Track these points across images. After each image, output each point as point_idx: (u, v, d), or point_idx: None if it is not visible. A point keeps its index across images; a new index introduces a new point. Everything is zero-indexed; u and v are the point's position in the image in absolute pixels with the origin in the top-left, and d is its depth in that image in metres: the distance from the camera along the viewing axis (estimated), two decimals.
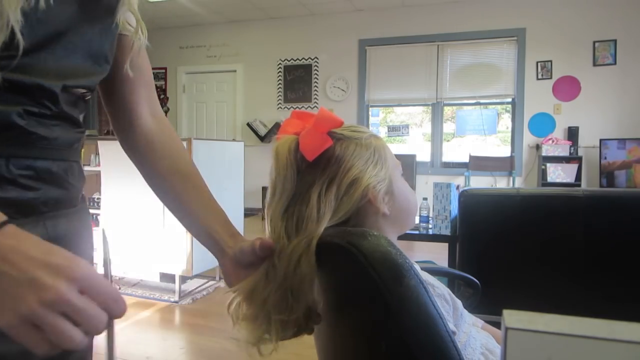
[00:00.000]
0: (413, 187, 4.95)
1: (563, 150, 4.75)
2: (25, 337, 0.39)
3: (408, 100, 5.62)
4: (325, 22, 5.78)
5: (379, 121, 6.01)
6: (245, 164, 3.68)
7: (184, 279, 3.23)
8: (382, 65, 5.60)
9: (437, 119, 5.51)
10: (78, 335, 0.41)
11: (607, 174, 4.55)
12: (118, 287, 3.22)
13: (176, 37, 6.42)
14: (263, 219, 0.72)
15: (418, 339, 0.53)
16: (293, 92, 5.94)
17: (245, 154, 3.69)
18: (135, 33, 0.68)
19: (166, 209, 0.75)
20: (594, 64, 4.86)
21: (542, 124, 5.05)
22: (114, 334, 0.47)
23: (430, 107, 5.57)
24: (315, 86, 5.84)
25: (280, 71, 5.98)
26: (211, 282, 3.41)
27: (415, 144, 5.78)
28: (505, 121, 5.51)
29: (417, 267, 0.59)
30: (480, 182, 5.09)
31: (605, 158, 4.54)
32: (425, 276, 0.71)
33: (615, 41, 4.78)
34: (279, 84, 5.99)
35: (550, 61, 4.99)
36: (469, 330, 0.76)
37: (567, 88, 4.95)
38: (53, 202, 0.60)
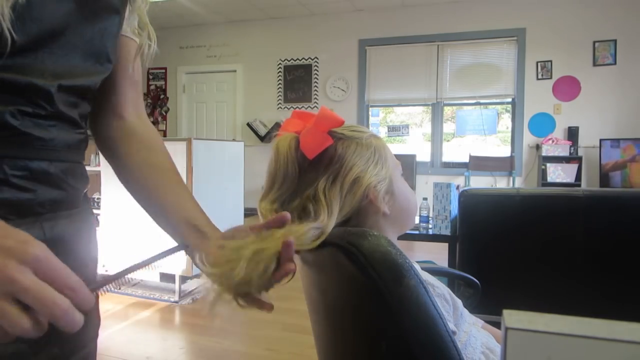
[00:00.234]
0: (413, 187, 4.95)
1: (563, 150, 4.75)
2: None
3: (408, 100, 5.62)
4: (325, 22, 5.78)
5: (379, 121, 6.01)
6: (245, 164, 3.68)
7: (184, 279, 3.23)
8: (382, 65, 5.60)
9: (437, 119, 5.51)
10: (26, 322, 0.38)
11: (601, 176, 4.55)
12: (118, 288, 3.21)
13: (176, 37, 6.42)
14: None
15: (418, 339, 0.53)
16: (293, 92, 5.94)
17: (245, 154, 3.69)
18: (145, 38, 0.68)
19: None
20: (594, 64, 4.86)
21: (542, 124, 5.04)
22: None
23: (430, 107, 5.57)
24: (315, 86, 5.84)
25: (280, 71, 5.98)
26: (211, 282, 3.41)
27: (415, 144, 5.78)
28: (505, 121, 5.51)
29: (417, 267, 0.59)
30: (480, 182, 5.09)
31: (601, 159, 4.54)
32: (425, 276, 0.71)
33: (615, 41, 4.78)
34: (279, 84, 5.99)
35: (550, 61, 4.99)
36: (470, 330, 0.76)
37: (567, 88, 4.95)
38: (50, 203, 0.58)
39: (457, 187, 2.23)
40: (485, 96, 5.28)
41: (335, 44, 5.73)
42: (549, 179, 4.72)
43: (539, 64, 5.03)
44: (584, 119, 4.87)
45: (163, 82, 6.58)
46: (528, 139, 5.11)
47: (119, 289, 0.50)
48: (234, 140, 5.57)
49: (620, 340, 0.28)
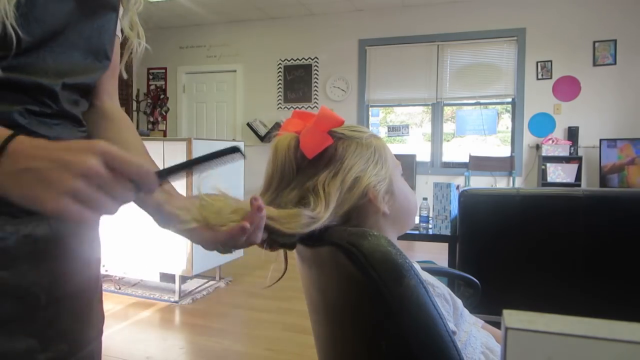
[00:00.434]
0: (413, 187, 4.95)
1: (563, 150, 4.75)
2: (74, 212, 0.43)
3: (408, 100, 5.62)
4: (325, 22, 5.78)
5: (379, 121, 6.01)
6: (245, 164, 3.68)
7: (184, 279, 3.23)
8: (382, 65, 5.59)
9: (437, 119, 5.51)
10: (113, 204, 0.46)
11: (601, 176, 4.55)
12: (118, 288, 3.22)
13: (176, 37, 6.42)
14: None
15: (418, 339, 0.53)
16: (293, 92, 5.93)
17: (245, 154, 3.68)
18: (135, 37, 0.68)
19: None
20: (594, 64, 4.86)
21: (542, 124, 5.04)
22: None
23: (430, 107, 5.56)
24: (315, 86, 5.84)
25: (280, 71, 5.98)
26: (211, 282, 3.41)
27: (415, 144, 5.78)
28: (505, 121, 5.51)
29: (417, 267, 0.59)
30: (480, 182, 5.09)
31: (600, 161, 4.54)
32: (425, 276, 0.71)
33: (615, 41, 4.78)
34: (279, 84, 5.99)
35: (550, 61, 4.99)
36: (470, 329, 0.76)
37: (567, 88, 4.95)
38: None
39: (457, 187, 2.23)
40: (485, 96, 5.28)
41: (335, 44, 5.73)
42: (549, 179, 4.72)
43: (539, 64, 5.03)
44: (584, 119, 4.87)
45: (163, 82, 6.58)
46: (528, 139, 5.11)
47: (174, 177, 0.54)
48: (234, 140, 5.57)
49: (620, 340, 0.28)
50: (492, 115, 5.37)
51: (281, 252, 0.72)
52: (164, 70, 6.56)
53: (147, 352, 2.30)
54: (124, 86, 6.41)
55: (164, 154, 2.97)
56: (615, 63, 4.78)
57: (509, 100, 5.22)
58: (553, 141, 4.83)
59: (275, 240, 0.66)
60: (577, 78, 4.91)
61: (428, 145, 5.58)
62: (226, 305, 3.01)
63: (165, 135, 6.35)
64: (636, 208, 1.42)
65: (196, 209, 0.58)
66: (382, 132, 5.81)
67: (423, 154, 5.49)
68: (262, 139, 5.91)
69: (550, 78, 5.00)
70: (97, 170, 0.44)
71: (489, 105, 5.39)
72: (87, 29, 0.60)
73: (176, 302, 3.00)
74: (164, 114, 6.54)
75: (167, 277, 3.15)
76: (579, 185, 4.69)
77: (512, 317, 0.30)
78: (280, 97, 5.99)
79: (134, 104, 6.56)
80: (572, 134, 4.83)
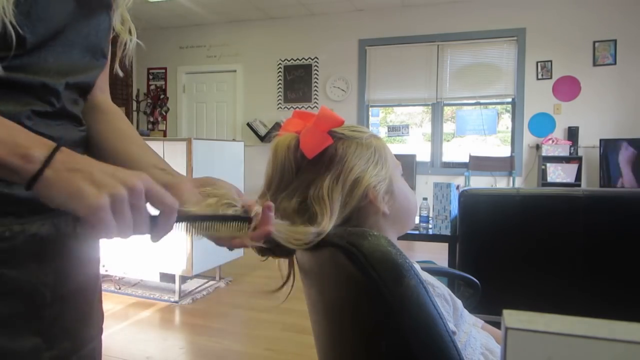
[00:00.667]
0: (413, 187, 4.95)
1: (563, 150, 4.75)
2: (107, 218, 0.46)
3: (408, 100, 5.62)
4: (325, 22, 5.78)
5: (379, 121, 6.01)
6: (245, 164, 3.68)
7: (184, 279, 3.23)
8: (382, 65, 5.59)
9: (437, 119, 5.51)
10: (131, 229, 0.49)
11: (601, 176, 4.54)
12: (118, 288, 3.22)
13: (176, 37, 6.42)
14: None
15: (418, 339, 0.53)
16: (293, 92, 5.93)
17: (245, 154, 3.69)
18: (126, 33, 0.69)
19: None
20: (594, 64, 4.86)
21: (542, 124, 5.04)
22: None
23: (430, 107, 5.56)
24: (315, 86, 5.84)
25: (280, 71, 5.98)
26: (211, 282, 3.41)
27: (415, 144, 5.78)
28: (505, 121, 5.51)
29: (417, 267, 0.59)
30: (480, 182, 5.09)
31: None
32: (425, 276, 0.71)
33: (615, 41, 4.78)
34: (279, 84, 5.99)
35: (550, 61, 4.99)
36: (469, 330, 0.76)
37: (567, 88, 4.95)
38: None
39: (457, 187, 2.23)
40: (485, 96, 5.28)
41: (335, 44, 5.73)
42: (549, 179, 4.72)
43: (539, 64, 5.03)
44: (584, 119, 4.87)
45: (163, 82, 6.58)
46: (528, 139, 5.11)
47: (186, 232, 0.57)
48: (234, 140, 5.57)
49: (620, 340, 0.28)
50: (492, 115, 5.37)
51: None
52: (164, 70, 6.56)
53: (147, 352, 2.30)
54: (124, 86, 6.41)
55: (164, 154, 2.97)
56: (615, 63, 4.78)
57: (509, 100, 5.22)
58: (553, 141, 4.83)
59: (271, 250, 0.67)
60: (577, 78, 4.91)
61: (428, 145, 5.58)
62: (226, 305, 3.01)
63: (165, 135, 6.35)
64: (636, 208, 1.42)
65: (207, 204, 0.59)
66: (382, 132, 5.81)
67: (423, 154, 5.49)
68: (262, 139, 5.91)
69: (550, 78, 5.00)
70: (141, 191, 0.48)
71: (489, 105, 5.39)
72: (84, 28, 0.60)
73: (176, 302, 3.00)
74: (164, 114, 6.54)
75: (167, 277, 3.15)
76: (579, 185, 4.69)
77: (512, 317, 0.30)
78: (280, 97, 5.99)
79: (134, 104, 6.56)
80: (572, 134, 4.83)
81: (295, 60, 5.91)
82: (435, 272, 1.11)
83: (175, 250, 2.97)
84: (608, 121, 4.82)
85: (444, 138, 5.58)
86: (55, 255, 0.59)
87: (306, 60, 5.87)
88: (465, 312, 0.80)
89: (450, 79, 5.37)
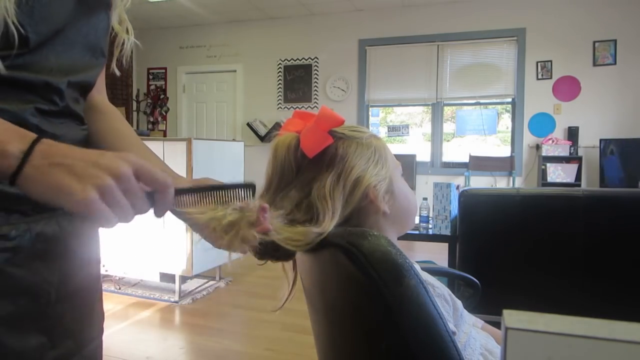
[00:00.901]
0: (413, 187, 4.95)
1: (563, 150, 4.74)
2: (100, 209, 0.45)
3: (408, 100, 5.62)
4: (325, 22, 5.78)
5: (379, 121, 6.01)
6: (245, 164, 3.68)
7: (184, 279, 3.23)
8: (382, 65, 5.59)
9: (437, 119, 5.51)
10: (132, 213, 0.48)
11: (601, 176, 4.53)
12: (118, 288, 3.22)
13: (176, 37, 6.42)
14: None
15: (418, 339, 0.53)
16: (293, 92, 5.93)
17: (245, 154, 3.69)
18: (123, 32, 0.69)
19: None
20: (594, 64, 4.86)
21: (542, 124, 5.04)
22: None
23: (430, 107, 5.56)
24: (315, 86, 5.84)
25: (280, 71, 5.98)
26: (211, 282, 3.41)
27: (415, 144, 5.78)
28: (505, 121, 5.51)
29: (417, 267, 0.59)
30: (480, 182, 5.09)
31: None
32: (425, 276, 0.71)
33: (615, 41, 4.77)
34: (279, 84, 5.99)
35: (550, 61, 4.99)
36: (469, 331, 0.76)
37: (567, 88, 4.95)
38: None
39: (457, 187, 2.23)
40: (485, 96, 5.28)
41: (335, 44, 5.73)
42: (549, 179, 4.72)
43: (539, 64, 5.03)
44: (584, 119, 4.87)
45: (163, 82, 6.58)
46: (528, 139, 5.11)
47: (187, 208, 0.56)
48: (234, 140, 5.57)
49: (620, 340, 0.28)
50: (492, 115, 5.37)
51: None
52: (164, 70, 6.56)
53: (147, 352, 2.30)
54: (124, 86, 6.41)
55: (164, 154, 2.97)
56: (615, 63, 4.78)
57: (509, 100, 5.22)
58: (553, 141, 4.83)
59: (270, 253, 0.67)
60: (577, 78, 4.91)
61: (428, 145, 5.58)
62: (226, 305, 3.01)
63: (165, 135, 6.35)
64: (636, 208, 1.42)
65: (215, 220, 0.59)
66: (382, 132, 5.81)
67: (423, 154, 5.49)
68: (262, 139, 5.91)
69: (550, 78, 5.00)
70: (129, 175, 0.46)
71: (489, 105, 5.39)
72: (84, 27, 0.60)
73: (176, 302, 3.00)
74: (164, 114, 6.54)
75: (167, 277, 3.15)
76: (579, 185, 4.69)
77: (512, 317, 0.30)
78: (280, 97, 5.99)
79: (134, 104, 6.56)
80: (572, 134, 4.83)
81: (295, 60, 5.91)
82: (435, 272, 1.11)
83: (175, 250, 2.97)
84: (608, 121, 4.82)
85: (444, 138, 5.58)
86: (59, 254, 0.60)
87: (306, 60, 5.87)
88: (465, 312, 0.80)
89: (450, 79, 5.37)
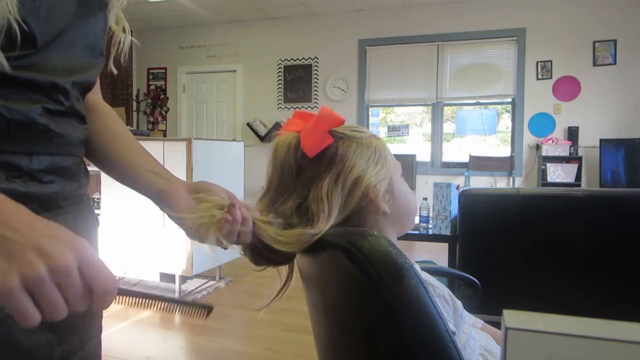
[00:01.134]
0: (413, 187, 4.95)
1: (563, 150, 4.74)
2: (19, 304, 0.39)
3: (408, 100, 5.62)
4: (325, 22, 5.78)
5: (379, 121, 6.01)
6: (245, 164, 3.68)
7: (184, 279, 3.23)
8: (382, 65, 5.59)
9: (437, 119, 5.51)
10: (65, 310, 0.41)
11: (601, 176, 4.53)
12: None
13: (176, 37, 6.42)
14: None
15: (418, 339, 0.53)
16: (293, 92, 5.93)
17: (245, 154, 3.69)
18: (120, 31, 0.69)
19: None
20: (594, 64, 4.86)
21: (542, 124, 5.04)
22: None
23: (430, 107, 5.56)
24: (315, 86, 5.84)
25: (280, 71, 5.98)
26: (211, 282, 3.41)
27: (415, 144, 5.78)
28: (505, 121, 5.51)
29: (417, 267, 0.59)
30: (480, 182, 5.09)
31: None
32: (425, 276, 0.71)
33: (615, 41, 4.77)
34: (279, 84, 5.99)
35: (550, 61, 4.99)
36: (469, 331, 0.76)
37: (567, 88, 4.95)
38: (69, 197, 0.62)
39: (457, 187, 2.23)
40: (485, 96, 5.28)
41: (335, 44, 5.73)
42: (549, 179, 4.72)
43: (539, 64, 5.03)
44: (584, 119, 4.87)
45: (163, 82, 6.58)
46: (528, 139, 5.11)
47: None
48: (234, 140, 5.57)
49: (620, 340, 0.28)
50: (492, 115, 5.37)
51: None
52: (164, 70, 6.56)
53: (147, 352, 2.30)
54: (124, 86, 6.41)
55: (164, 154, 2.97)
56: (615, 63, 4.78)
57: (509, 100, 5.22)
58: (553, 141, 4.83)
59: (267, 258, 0.68)
60: (577, 78, 4.91)
61: (428, 145, 5.58)
62: (226, 305, 3.01)
63: (165, 135, 6.35)
64: (636, 208, 1.42)
65: (207, 221, 0.61)
66: (382, 132, 5.81)
67: (423, 154, 5.49)
68: (262, 139, 5.91)
69: (550, 78, 5.00)
70: (69, 271, 0.40)
71: (489, 105, 5.39)
72: (84, 27, 0.61)
73: None
74: (164, 114, 6.54)
75: (167, 277, 3.15)
76: (579, 185, 4.69)
77: (512, 317, 0.30)
78: (280, 97, 5.99)
79: (134, 104, 6.56)
80: (572, 134, 4.83)
81: (295, 60, 5.91)
82: (435, 272, 1.11)
83: (175, 250, 2.97)
84: (608, 121, 4.82)
85: (444, 138, 5.58)
86: None
87: (306, 60, 5.86)
88: (465, 312, 0.80)
89: (450, 79, 5.37)
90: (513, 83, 5.14)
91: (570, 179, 4.68)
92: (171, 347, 2.39)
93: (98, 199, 3.19)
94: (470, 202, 1.57)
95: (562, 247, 1.46)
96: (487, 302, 1.11)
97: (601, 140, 4.59)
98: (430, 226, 2.35)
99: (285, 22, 5.94)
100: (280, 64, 5.97)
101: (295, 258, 0.75)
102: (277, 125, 5.83)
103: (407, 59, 5.48)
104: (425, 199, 2.49)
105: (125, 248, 3.06)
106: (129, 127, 5.44)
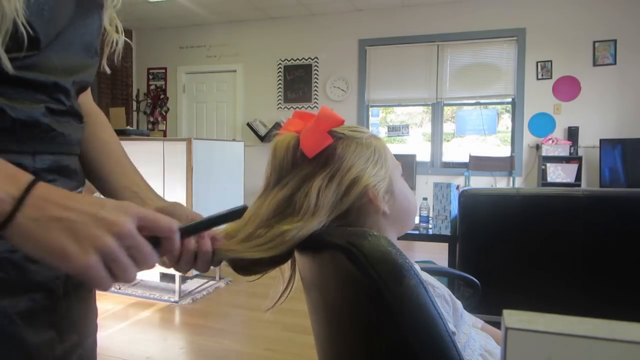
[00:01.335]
0: (413, 187, 4.95)
1: (563, 150, 4.74)
2: (99, 275, 0.43)
3: (408, 100, 5.62)
4: (325, 22, 5.78)
5: (379, 121, 6.01)
6: (245, 164, 3.68)
7: (184, 279, 3.24)
8: (382, 65, 5.59)
9: (437, 119, 5.51)
10: (135, 271, 0.45)
11: (601, 176, 4.53)
12: (118, 288, 3.22)
13: (176, 37, 6.42)
14: None
15: (418, 339, 0.53)
16: (293, 92, 5.93)
17: (245, 154, 3.69)
18: (113, 31, 0.70)
19: None
20: (594, 64, 4.86)
21: (542, 124, 5.04)
22: None
23: (430, 107, 5.56)
24: (315, 86, 5.84)
25: (280, 71, 5.98)
26: (211, 282, 3.41)
27: (415, 144, 5.78)
28: (505, 121, 5.51)
29: (417, 267, 0.59)
30: (480, 182, 5.09)
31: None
32: (425, 276, 0.71)
33: (615, 41, 4.78)
34: (279, 84, 5.99)
35: (550, 61, 4.99)
36: (469, 332, 0.76)
37: (567, 88, 4.95)
38: None
39: (457, 187, 2.23)
40: (485, 96, 5.28)
41: (335, 44, 5.73)
42: (549, 179, 4.72)
43: (539, 64, 5.03)
44: (584, 119, 4.87)
45: (163, 82, 6.58)
46: (528, 139, 5.11)
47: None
48: (234, 140, 5.57)
49: (620, 340, 0.28)
50: (492, 115, 5.37)
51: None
52: (164, 70, 6.56)
53: (147, 352, 2.30)
54: (124, 86, 6.41)
55: (164, 154, 2.97)
56: (615, 63, 4.78)
57: (509, 100, 5.22)
58: (553, 141, 4.83)
59: (256, 269, 0.67)
60: (577, 78, 4.91)
61: (428, 145, 5.58)
62: (226, 305, 3.01)
63: (165, 135, 6.35)
64: (636, 208, 1.42)
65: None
66: (382, 132, 5.81)
67: (423, 154, 5.49)
68: (262, 139, 5.91)
69: (550, 78, 5.00)
70: (132, 232, 0.44)
71: (489, 105, 5.39)
72: (81, 27, 0.61)
73: (176, 302, 3.00)
74: (164, 114, 6.54)
75: (167, 277, 3.15)
76: (579, 185, 4.69)
77: (512, 317, 0.30)
78: (280, 97, 5.99)
79: (134, 104, 6.56)
80: (572, 134, 4.83)
81: (295, 60, 5.91)
82: (435, 272, 1.11)
83: None
84: (608, 121, 4.82)
85: (444, 138, 5.58)
86: None
87: (306, 60, 5.87)
88: (465, 313, 0.80)
89: (450, 79, 5.37)
90: (513, 83, 5.14)
91: (570, 179, 4.68)
92: (171, 347, 2.39)
93: None
94: (470, 202, 1.57)
95: (562, 247, 1.46)
96: (487, 302, 1.11)
97: (601, 140, 4.59)
98: (430, 226, 2.35)
99: (285, 22, 5.94)
100: (280, 64, 5.97)
101: (293, 255, 0.74)
102: (277, 125, 5.83)
103: (407, 59, 5.48)
104: (425, 199, 2.49)
105: None
106: (128, 127, 5.42)
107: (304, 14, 5.77)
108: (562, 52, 4.94)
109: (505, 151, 5.35)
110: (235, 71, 6.20)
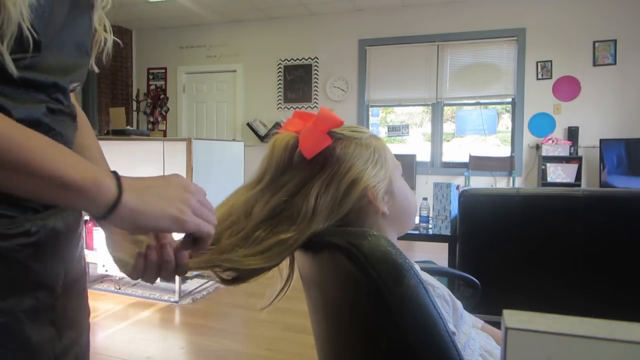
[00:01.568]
0: (413, 187, 4.95)
1: (563, 150, 4.74)
2: (195, 221, 0.53)
3: (408, 100, 5.62)
4: (325, 22, 5.78)
5: (379, 121, 6.01)
6: (245, 164, 3.68)
7: (184, 278, 3.23)
8: (382, 65, 5.59)
9: (437, 119, 5.51)
10: (214, 218, 0.56)
11: (601, 176, 4.53)
12: (118, 288, 3.22)
13: (176, 37, 6.42)
14: None
15: (418, 339, 0.53)
16: (293, 92, 5.93)
17: (245, 154, 3.69)
18: (102, 31, 0.70)
19: None
20: (594, 64, 4.86)
21: (542, 124, 5.04)
22: None
23: (430, 107, 5.56)
24: (315, 86, 5.84)
25: (280, 71, 5.98)
26: (211, 282, 3.41)
27: (415, 144, 5.78)
28: (505, 121, 5.51)
29: (417, 267, 0.59)
30: (480, 182, 5.09)
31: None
32: (425, 276, 0.71)
33: (615, 41, 4.77)
34: (279, 84, 5.99)
35: (550, 61, 4.99)
36: (469, 332, 0.76)
37: (567, 88, 4.95)
38: None
39: (457, 187, 2.23)
40: (485, 96, 5.28)
41: (335, 44, 5.73)
42: (549, 179, 4.72)
43: (539, 64, 5.03)
44: (584, 119, 4.87)
45: (163, 82, 6.58)
46: (528, 139, 5.11)
47: None
48: (234, 140, 5.57)
49: (620, 340, 0.28)
50: (492, 115, 5.37)
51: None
52: (164, 70, 6.56)
53: (147, 352, 2.30)
54: (124, 86, 6.41)
55: (164, 153, 2.97)
56: (615, 63, 4.78)
57: (509, 100, 5.22)
58: (553, 141, 4.83)
59: (248, 278, 0.67)
60: (577, 78, 4.91)
61: (428, 145, 5.58)
62: (226, 305, 3.01)
63: (165, 135, 6.35)
64: (636, 208, 1.42)
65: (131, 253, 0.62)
66: (382, 132, 5.81)
67: (423, 154, 5.49)
68: (262, 139, 5.91)
69: (550, 78, 5.00)
70: (198, 187, 0.55)
71: (489, 105, 5.39)
72: (74, 27, 0.62)
73: (176, 302, 3.00)
74: (164, 114, 6.54)
75: None
76: (579, 185, 4.69)
77: (512, 317, 0.30)
78: (280, 97, 5.99)
79: (134, 104, 6.56)
80: (572, 134, 4.83)
81: (295, 60, 5.91)
82: (435, 272, 1.11)
83: None
84: (608, 121, 4.82)
85: (444, 138, 5.58)
86: (65, 248, 0.62)
87: (306, 60, 5.86)
88: (465, 313, 0.80)
89: (450, 79, 5.37)
90: (513, 83, 5.14)
91: (570, 179, 4.68)
92: (171, 347, 2.39)
93: None
94: (470, 202, 1.57)
95: (562, 247, 1.46)
96: (487, 302, 1.11)
97: (601, 140, 4.59)
98: (430, 226, 2.35)
99: (285, 22, 5.94)
100: (280, 64, 5.97)
101: (292, 254, 0.74)
102: (277, 125, 5.83)
103: (407, 59, 5.48)
104: (425, 199, 2.49)
105: None
106: (128, 127, 5.40)
107: (304, 13, 5.76)
108: (562, 52, 4.93)
109: (505, 151, 5.35)
110: (235, 71, 6.20)
